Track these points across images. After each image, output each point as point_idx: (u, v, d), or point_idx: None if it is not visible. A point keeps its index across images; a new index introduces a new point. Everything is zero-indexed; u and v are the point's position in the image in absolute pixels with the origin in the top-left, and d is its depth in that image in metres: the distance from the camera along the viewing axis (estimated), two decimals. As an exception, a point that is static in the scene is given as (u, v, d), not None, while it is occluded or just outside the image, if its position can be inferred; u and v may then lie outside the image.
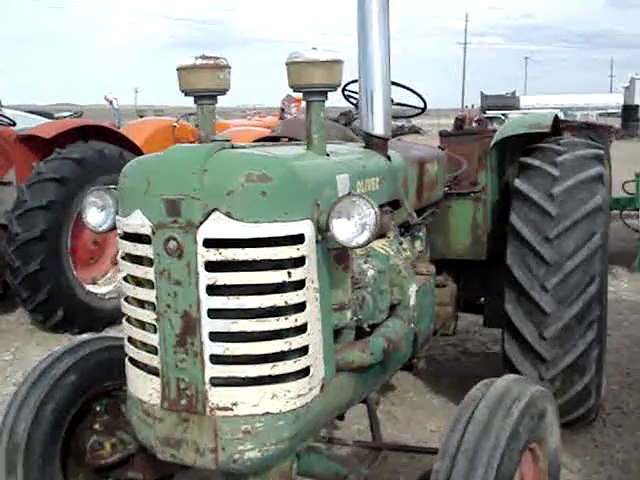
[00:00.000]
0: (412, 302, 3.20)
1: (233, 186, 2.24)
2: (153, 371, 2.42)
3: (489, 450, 2.20)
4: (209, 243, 2.25)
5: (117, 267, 2.56)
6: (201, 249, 2.25)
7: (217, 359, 2.30)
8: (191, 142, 11.00)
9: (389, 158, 3.28)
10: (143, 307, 2.43)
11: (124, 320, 2.57)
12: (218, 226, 2.24)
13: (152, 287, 2.36)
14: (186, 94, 2.84)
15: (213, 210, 2.24)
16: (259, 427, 2.31)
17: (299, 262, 2.32)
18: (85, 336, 2.96)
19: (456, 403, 5.09)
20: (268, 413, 2.32)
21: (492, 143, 4.36)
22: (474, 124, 5.13)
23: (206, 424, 2.32)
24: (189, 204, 2.25)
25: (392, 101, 4.89)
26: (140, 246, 2.38)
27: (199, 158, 2.29)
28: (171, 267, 2.30)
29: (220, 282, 2.26)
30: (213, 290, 2.27)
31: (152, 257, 2.34)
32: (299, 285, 2.33)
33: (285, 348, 2.31)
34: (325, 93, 2.62)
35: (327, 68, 2.56)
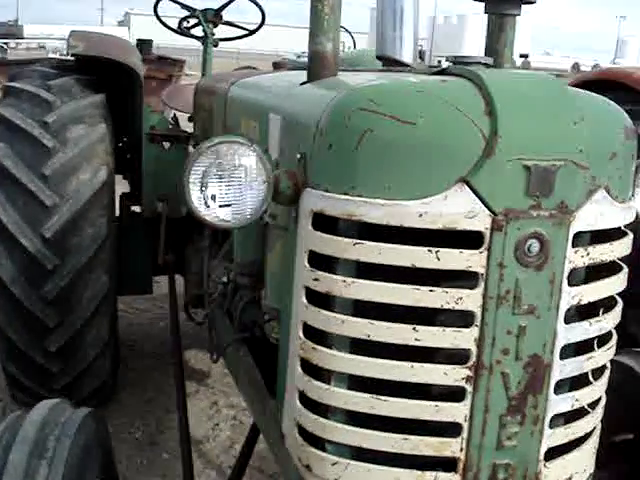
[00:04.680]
0: None
1: (615, 146, 1.40)
2: (446, 463, 1.40)
3: None
4: (579, 240, 1.38)
5: None
6: (570, 251, 1.36)
7: (559, 420, 1.46)
8: None
9: None
10: (432, 360, 1.36)
11: (303, 372, 1.42)
12: (600, 211, 1.38)
13: (466, 324, 1.33)
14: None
15: (599, 186, 1.36)
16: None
17: None
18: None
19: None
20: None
21: None
22: None
23: None
24: (568, 176, 1.32)
25: (221, 18, 3.96)
26: (453, 254, 1.30)
27: (567, 97, 1.36)
28: (524, 286, 1.33)
29: (585, 300, 1.41)
30: (571, 314, 1.41)
31: (480, 271, 1.31)
32: None
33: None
34: (520, 5, 1.84)
35: None
